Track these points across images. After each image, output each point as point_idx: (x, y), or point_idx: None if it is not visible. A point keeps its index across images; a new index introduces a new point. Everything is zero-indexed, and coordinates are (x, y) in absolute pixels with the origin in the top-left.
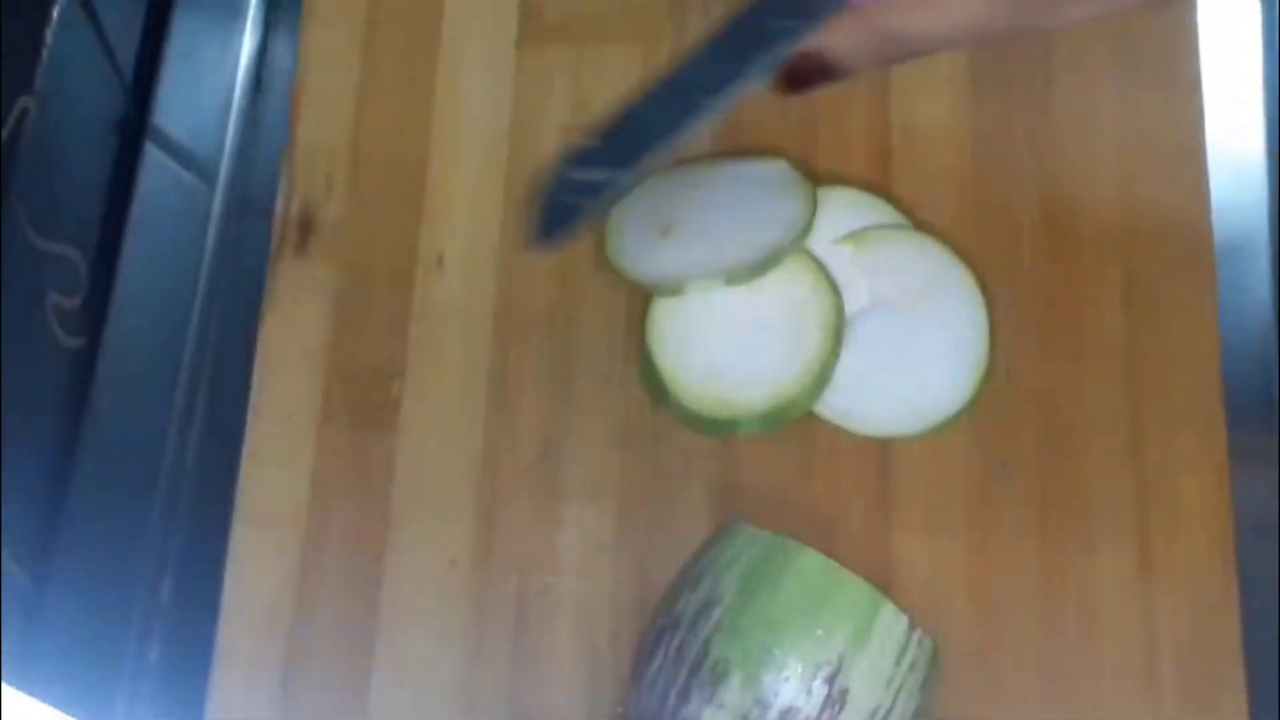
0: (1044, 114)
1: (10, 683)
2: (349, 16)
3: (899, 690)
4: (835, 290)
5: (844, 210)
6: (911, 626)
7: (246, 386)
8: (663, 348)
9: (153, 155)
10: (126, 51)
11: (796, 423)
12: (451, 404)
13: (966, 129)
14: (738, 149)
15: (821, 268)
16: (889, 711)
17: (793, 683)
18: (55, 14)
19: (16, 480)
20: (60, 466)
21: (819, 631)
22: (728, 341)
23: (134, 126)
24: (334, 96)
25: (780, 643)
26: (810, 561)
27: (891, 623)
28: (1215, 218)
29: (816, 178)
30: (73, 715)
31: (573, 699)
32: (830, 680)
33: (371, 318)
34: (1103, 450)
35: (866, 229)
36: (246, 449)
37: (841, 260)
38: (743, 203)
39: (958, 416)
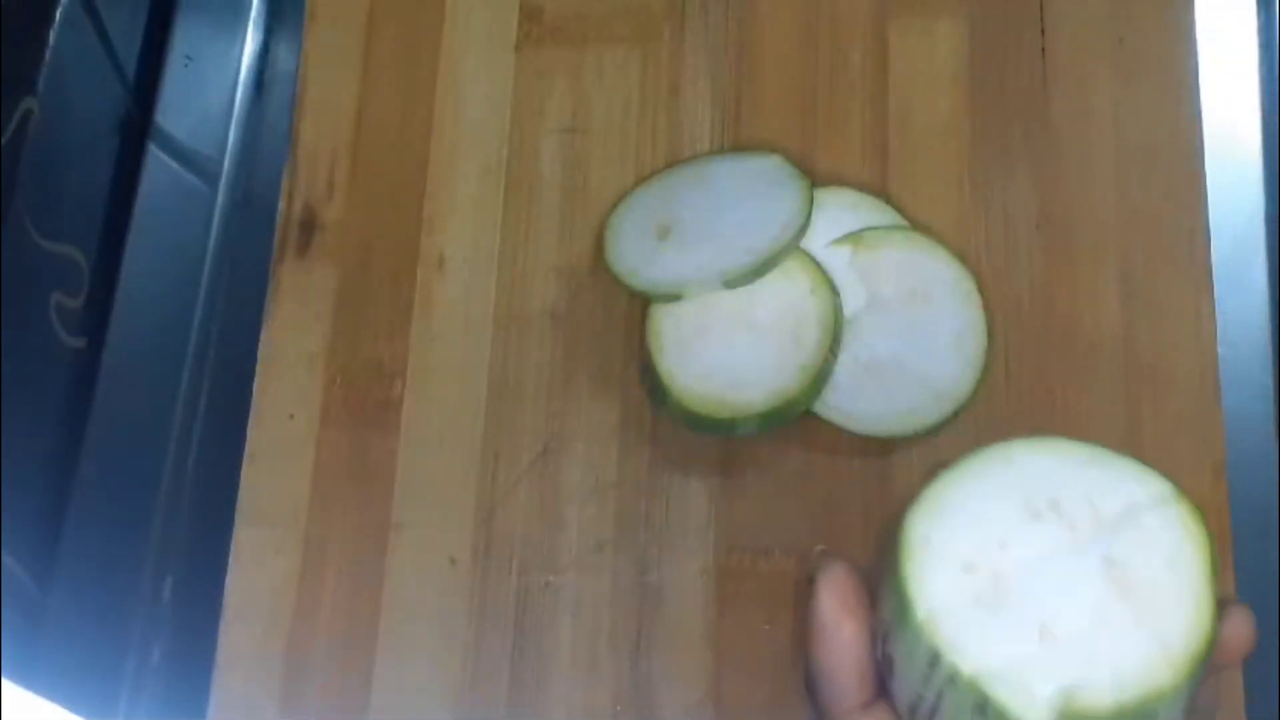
0: (1041, 115)
1: (12, 683)
2: (350, 18)
3: (940, 695)
4: (833, 290)
5: (842, 211)
6: (937, 656)
7: (248, 386)
8: (662, 349)
9: (155, 156)
10: (129, 53)
11: (796, 423)
12: (452, 403)
13: (964, 130)
14: (735, 147)
15: (819, 268)
16: (932, 710)
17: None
18: (58, 15)
19: (18, 480)
20: (62, 466)
21: (887, 589)
22: (726, 342)
23: (136, 127)
24: (335, 98)
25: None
26: (906, 525)
27: (916, 635)
28: (1212, 218)
29: (814, 178)
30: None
31: (573, 698)
32: (883, 640)
33: (373, 318)
34: None
35: (864, 230)
36: (248, 449)
37: (839, 261)
38: (738, 201)
39: (956, 416)
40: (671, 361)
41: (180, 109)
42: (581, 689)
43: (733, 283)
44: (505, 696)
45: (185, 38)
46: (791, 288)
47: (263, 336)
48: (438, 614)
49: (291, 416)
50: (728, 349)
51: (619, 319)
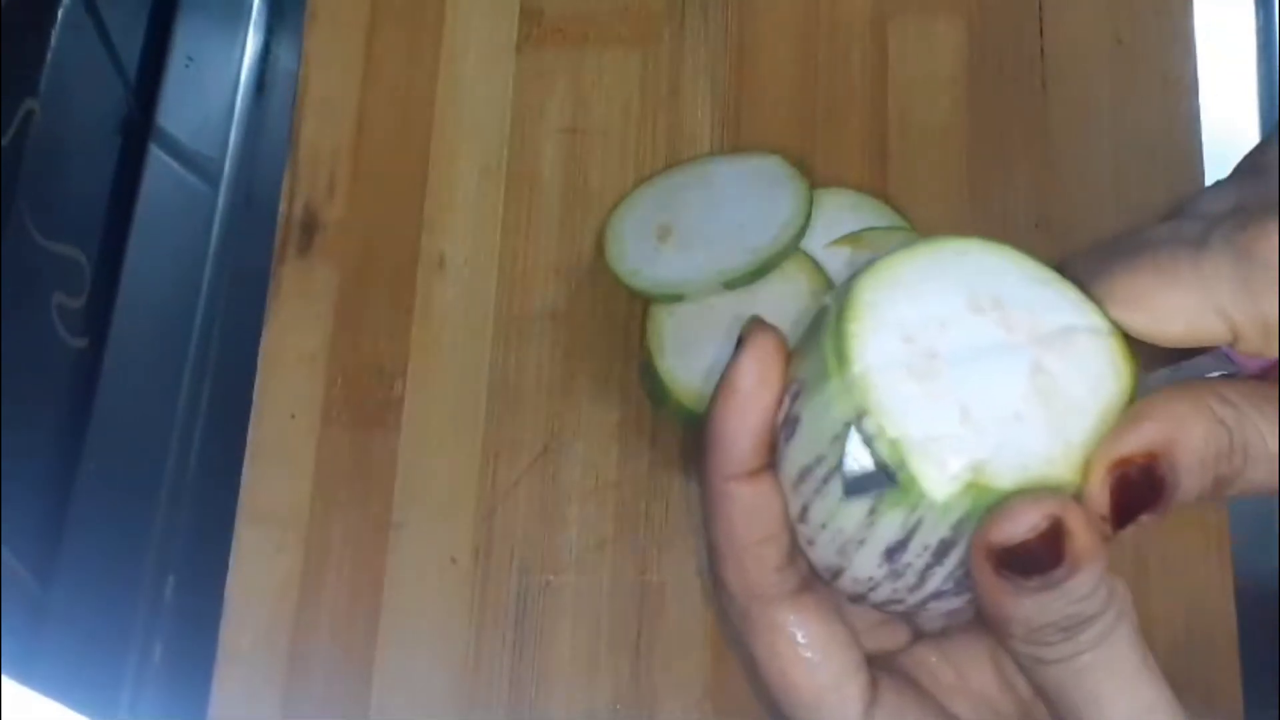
0: (1041, 115)
1: (14, 681)
2: (351, 18)
3: (843, 454)
4: (833, 290)
5: (841, 212)
6: (863, 415)
7: (249, 386)
8: (662, 349)
9: (156, 157)
10: (130, 54)
11: None
12: (452, 403)
13: (964, 131)
14: (735, 147)
15: (819, 269)
16: (831, 472)
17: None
18: (59, 16)
19: (20, 479)
20: (64, 466)
21: (811, 350)
22: (726, 342)
23: (138, 128)
24: (336, 98)
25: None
26: (853, 288)
27: (845, 389)
28: None
29: (814, 178)
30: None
31: (572, 696)
32: (792, 399)
33: (373, 318)
34: None
35: (864, 230)
36: (249, 448)
37: (839, 261)
38: (738, 202)
39: None
40: (671, 361)
41: (181, 110)
42: (581, 689)
43: (733, 283)
44: (505, 696)
45: (186, 38)
46: (791, 288)
47: (264, 336)
48: (438, 614)
49: (292, 416)
50: (728, 349)
51: (619, 319)
